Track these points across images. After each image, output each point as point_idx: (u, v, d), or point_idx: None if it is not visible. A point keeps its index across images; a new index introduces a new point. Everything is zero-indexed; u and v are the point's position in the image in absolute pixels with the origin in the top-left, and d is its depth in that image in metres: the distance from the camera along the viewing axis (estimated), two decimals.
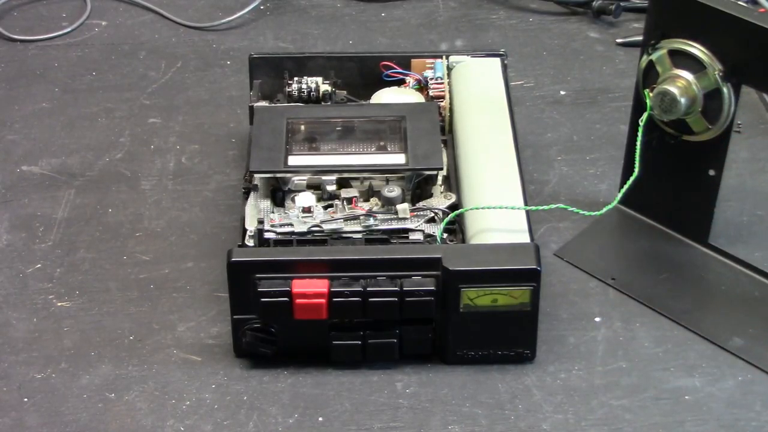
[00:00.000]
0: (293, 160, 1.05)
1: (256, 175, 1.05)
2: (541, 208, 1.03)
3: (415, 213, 1.03)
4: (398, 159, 1.05)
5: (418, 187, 1.04)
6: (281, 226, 1.01)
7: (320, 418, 0.95)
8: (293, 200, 1.03)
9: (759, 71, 0.99)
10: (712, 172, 1.05)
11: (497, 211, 1.00)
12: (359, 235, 1.01)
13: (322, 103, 1.15)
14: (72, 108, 1.29)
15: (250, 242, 1.01)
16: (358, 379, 0.98)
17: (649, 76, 1.05)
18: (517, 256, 0.95)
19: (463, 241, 1.01)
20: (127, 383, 0.98)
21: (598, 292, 1.06)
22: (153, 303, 1.05)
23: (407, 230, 1.01)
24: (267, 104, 1.15)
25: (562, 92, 1.32)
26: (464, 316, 0.96)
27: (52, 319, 1.04)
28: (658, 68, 1.04)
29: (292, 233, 1.01)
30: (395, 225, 1.02)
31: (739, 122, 1.04)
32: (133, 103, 1.30)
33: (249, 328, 0.97)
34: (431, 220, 1.03)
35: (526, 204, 1.02)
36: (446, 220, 1.01)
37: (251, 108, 1.12)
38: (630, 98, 1.09)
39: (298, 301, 0.94)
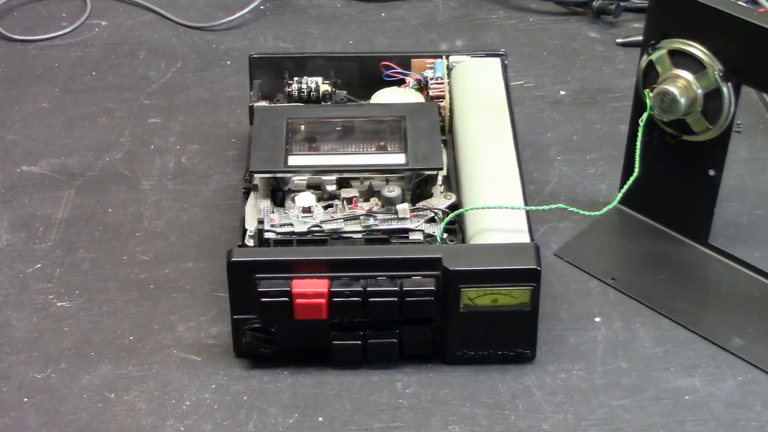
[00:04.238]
0: (293, 160, 1.05)
1: (256, 175, 1.05)
2: (541, 208, 1.03)
3: (415, 213, 1.03)
4: (398, 159, 1.05)
5: (418, 187, 1.04)
6: (281, 226, 1.01)
7: (320, 418, 0.95)
8: (293, 200, 1.03)
9: (759, 71, 0.99)
10: (712, 172, 1.05)
11: (497, 211, 1.00)
12: (359, 235, 1.01)
13: (322, 103, 1.15)
14: (72, 108, 1.29)
15: (250, 242, 1.00)
16: (358, 379, 0.98)
17: (649, 76, 1.05)
18: (517, 256, 0.95)
19: (463, 241, 1.01)
20: (127, 383, 0.98)
21: (598, 292, 1.06)
22: (153, 303, 1.05)
23: (407, 230, 1.01)
24: (267, 104, 1.15)
25: (562, 92, 1.32)
26: (464, 316, 0.96)
27: (52, 319, 1.04)
28: (658, 68, 1.04)
29: (292, 233, 1.01)
30: (395, 225, 1.02)
31: (739, 122, 1.04)
32: (133, 103, 1.30)
33: (249, 328, 0.97)
34: (431, 220, 1.03)
35: (526, 204, 1.02)
36: (446, 220, 1.01)
37: (251, 108, 1.12)
38: (630, 98, 1.09)
39: (298, 301, 0.94)
